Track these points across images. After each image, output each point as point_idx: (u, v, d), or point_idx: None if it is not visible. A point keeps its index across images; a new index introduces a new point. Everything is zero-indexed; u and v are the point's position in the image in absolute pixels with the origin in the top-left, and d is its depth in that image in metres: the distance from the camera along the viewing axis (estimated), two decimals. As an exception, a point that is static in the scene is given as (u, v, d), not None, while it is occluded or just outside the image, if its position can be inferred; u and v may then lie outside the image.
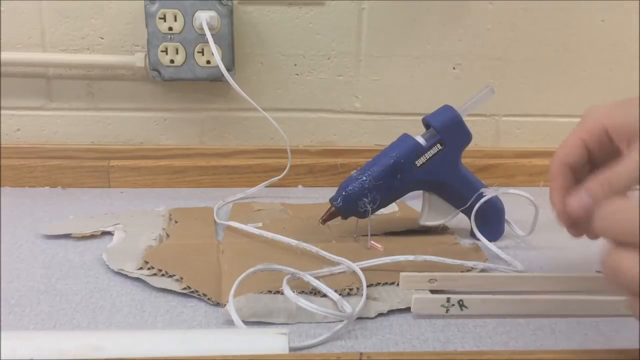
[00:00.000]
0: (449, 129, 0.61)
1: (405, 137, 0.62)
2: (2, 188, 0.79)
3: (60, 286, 0.53)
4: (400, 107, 0.85)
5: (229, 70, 0.76)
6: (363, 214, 0.61)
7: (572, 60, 0.86)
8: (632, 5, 0.84)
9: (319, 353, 0.43)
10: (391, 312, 0.49)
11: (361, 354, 0.39)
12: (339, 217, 0.62)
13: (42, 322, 0.47)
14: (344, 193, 0.61)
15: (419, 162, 0.61)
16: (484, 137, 0.88)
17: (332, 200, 0.61)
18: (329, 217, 0.62)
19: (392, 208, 0.73)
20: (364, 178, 0.60)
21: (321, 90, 0.84)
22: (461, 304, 0.47)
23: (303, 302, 0.45)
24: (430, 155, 0.61)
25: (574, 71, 0.87)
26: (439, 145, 0.61)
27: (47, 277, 0.54)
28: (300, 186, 0.84)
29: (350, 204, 0.60)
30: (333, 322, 0.47)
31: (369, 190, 0.60)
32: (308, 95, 0.84)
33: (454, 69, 0.84)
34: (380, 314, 0.49)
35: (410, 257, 0.54)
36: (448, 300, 0.47)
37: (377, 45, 0.82)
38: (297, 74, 0.83)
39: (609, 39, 0.85)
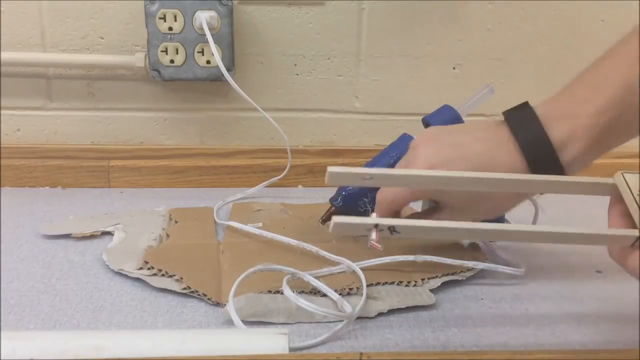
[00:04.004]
0: None
1: (405, 137, 0.62)
2: (2, 188, 0.79)
3: (60, 286, 0.53)
4: (400, 107, 0.85)
5: (229, 70, 0.76)
6: (363, 214, 0.61)
7: (572, 60, 0.86)
8: (632, 5, 0.84)
9: (319, 353, 0.43)
10: (391, 311, 0.49)
11: (361, 354, 0.39)
12: (339, 217, 0.62)
13: (42, 322, 0.47)
14: (343, 193, 0.61)
15: None
16: (484, 137, 0.88)
17: (332, 200, 0.62)
18: (328, 217, 0.62)
19: (392, 208, 0.72)
20: None
21: (321, 90, 0.84)
22: (392, 229, 0.41)
23: (303, 302, 0.45)
24: None
25: (574, 71, 0.86)
26: None
27: (47, 277, 0.54)
28: (300, 186, 0.84)
29: (350, 204, 0.61)
30: (333, 322, 0.47)
31: (369, 190, 0.60)
32: (308, 95, 0.84)
33: (454, 69, 0.84)
34: (380, 314, 0.49)
35: (410, 257, 0.54)
36: (376, 226, 0.40)
37: (377, 45, 0.82)
38: (297, 74, 0.83)
39: (609, 39, 0.85)
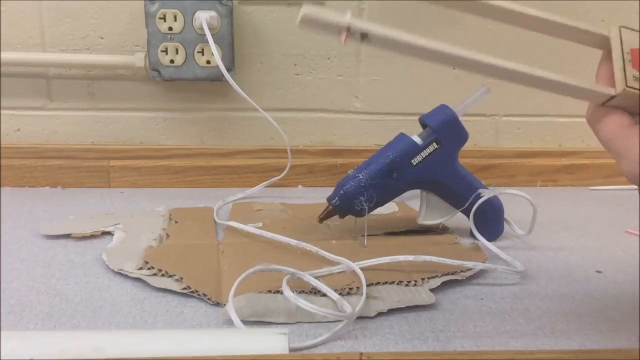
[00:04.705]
0: (444, 128, 0.61)
1: (402, 136, 0.62)
2: (2, 188, 0.79)
3: (60, 286, 0.53)
4: (400, 107, 0.85)
5: (229, 70, 0.76)
6: (359, 213, 0.61)
7: (572, 60, 0.86)
8: (632, 5, 0.84)
9: (319, 353, 0.43)
10: (391, 311, 0.49)
11: (361, 354, 0.39)
12: (338, 216, 0.62)
13: (42, 322, 0.47)
14: (341, 192, 0.61)
15: (415, 161, 0.61)
16: (484, 137, 0.88)
17: (329, 199, 0.62)
18: (326, 215, 0.62)
19: (392, 208, 0.73)
20: (361, 177, 0.60)
21: (321, 90, 0.84)
22: (364, 36, 0.37)
23: (303, 302, 0.45)
24: (426, 154, 0.61)
25: (574, 71, 0.86)
26: (434, 144, 0.61)
27: (47, 277, 0.54)
28: (300, 186, 0.84)
29: (347, 203, 0.61)
30: (333, 322, 0.47)
31: (365, 188, 0.60)
32: (308, 95, 0.84)
33: (454, 69, 0.84)
34: (380, 314, 0.49)
35: (410, 257, 0.54)
36: (348, 29, 0.36)
37: (377, 45, 0.82)
38: (297, 74, 0.83)
39: (609, 39, 0.85)
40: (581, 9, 0.83)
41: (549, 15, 0.40)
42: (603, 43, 0.40)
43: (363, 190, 0.60)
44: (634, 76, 0.38)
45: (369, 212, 0.61)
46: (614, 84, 0.39)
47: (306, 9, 0.34)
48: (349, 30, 0.35)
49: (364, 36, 0.36)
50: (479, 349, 0.45)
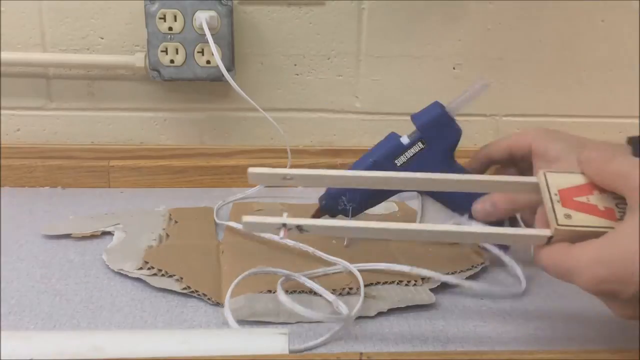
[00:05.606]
0: (431, 127, 0.58)
1: (390, 136, 0.61)
2: (2, 188, 0.79)
3: (60, 286, 0.53)
4: (400, 107, 0.85)
5: (229, 70, 0.76)
6: (344, 213, 0.61)
7: (572, 60, 0.86)
8: (632, 5, 0.84)
9: (318, 353, 0.43)
10: (391, 311, 0.49)
11: (361, 354, 0.39)
12: (330, 216, 0.62)
13: (42, 322, 0.47)
14: (329, 192, 0.61)
15: (399, 162, 0.59)
16: (484, 137, 0.88)
17: (320, 199, 0.62)
18: (315, 214, 0.62)
19: (392, 208, 0.73)
20: None
21: (321, 90, 0.84)
22: (300, 228, 0.42)
23: (298, 307, 0.45)
24: (411, 155, 0.59)
25: (574, 71, 0.86)
26: (420, 144, 0.58)
27: (47, 277, 0.54)
28: (300, 186, 0.84)
29: (332, 203, 0.61)
30: (333, 322, 0.47)
31: (347, 189, 0.60)
32: (308, 95, 0.84)
33: (454, 69, 0.84)
34: (380, 313, 0.49)
35: (406, 268, 0.53)
36: (284, 225, 0.42)
37: (377, 45, 0.82)
38: (297, 74, 0.83)
39: (609, 39, 0.85)
40: (581, 9, 0.83)
41: (486, 177, 0.45)
42: (535, 189, 0.43)
43: (345, 190, 0.60)
44: (565, 214, 0.40)
45: (356, 213, 0.60)
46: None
47: (245, 218, 0.41)
48: (285, 227, 0.42)
49: (300, 228, 0.42)
50: (479, 349, 0.45)
